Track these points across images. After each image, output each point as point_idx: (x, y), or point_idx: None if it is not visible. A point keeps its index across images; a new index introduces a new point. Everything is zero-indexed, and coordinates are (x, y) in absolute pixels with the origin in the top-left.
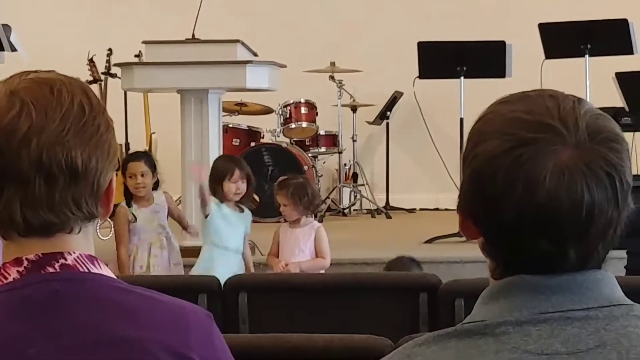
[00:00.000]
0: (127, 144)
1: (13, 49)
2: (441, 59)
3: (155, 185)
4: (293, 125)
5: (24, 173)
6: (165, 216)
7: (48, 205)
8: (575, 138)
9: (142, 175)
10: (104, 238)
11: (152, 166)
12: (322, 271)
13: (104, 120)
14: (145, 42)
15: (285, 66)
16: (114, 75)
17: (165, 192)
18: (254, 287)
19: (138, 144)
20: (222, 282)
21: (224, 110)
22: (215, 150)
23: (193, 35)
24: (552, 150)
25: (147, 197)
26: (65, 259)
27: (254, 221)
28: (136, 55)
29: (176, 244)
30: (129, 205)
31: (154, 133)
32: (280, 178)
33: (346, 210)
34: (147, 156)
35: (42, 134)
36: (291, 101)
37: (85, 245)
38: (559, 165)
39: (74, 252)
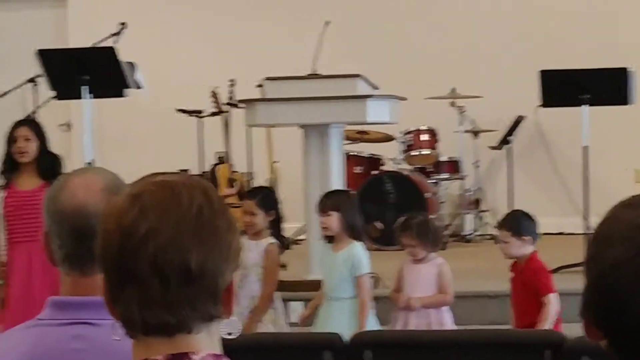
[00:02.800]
0: (250, 173)
1: (138, 87)
2: (563, 87)
3: (274, 224)
4: (414, 153)
5: (140, 274)
6: (255, 258)
7: (164, 306)
8: None
9: (251, 214)
10: None
11: (266, 205)
12: (446, 307)
13: (224, 222)
14: (267, 79)
15: (405, 99)
16: (237, 106)
17: (272, 244)
18: (380, 344)
19: (261, 173)
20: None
21: (346, 138)
22: (337, 182)
23: (314, 70)
24: None
25: (257, 234)
26: None
27: (377, 249)
28: (258, 86)
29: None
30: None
31: (277, 162)
32: (400, 219)
33: (469, 237)
34: (262, 194)
35: (158, 236)
36: (412, 128)
37: (210, 344)
38: None
39: (200, 353)
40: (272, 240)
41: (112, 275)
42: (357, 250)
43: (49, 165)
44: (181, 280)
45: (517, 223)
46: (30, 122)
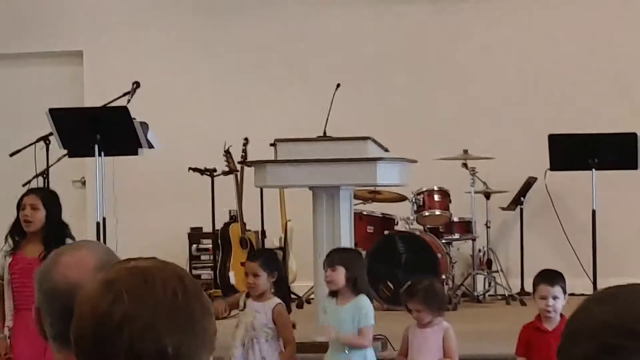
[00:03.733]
0: (263, 232)
1: (150, 146)
2: (572, 151)
3: (280, 286)
4: (426, 213)
5: None
6: (263, 319)
7: None
8: None
9: (254, 275)
10: None
11: (269, 266)
12: None
13: (199, 306)
14: (277, 140)
15: (416, 161)
16: (250, 165)
17: (280, 304)
18: None
19: (274, 232)
20: None
21: (359, 198)
22: (346, 243)
23: (324, 132)
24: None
25: (261, 295)
26: None
27: (388, 309)
28: (272, 145)
29: (263, 352)
30: (247, 295)
31: (289, 221)
32: (406, 284)
33: (480, 297)
34: (265, 255)
35: (133, 322)
36: (424, 189)
37: None
38: None
39: None
40: (278, 300)
41: None
42: (364, 301)
43: (53, 235)
44: None
45: (555, 278)
46: (39, 191)
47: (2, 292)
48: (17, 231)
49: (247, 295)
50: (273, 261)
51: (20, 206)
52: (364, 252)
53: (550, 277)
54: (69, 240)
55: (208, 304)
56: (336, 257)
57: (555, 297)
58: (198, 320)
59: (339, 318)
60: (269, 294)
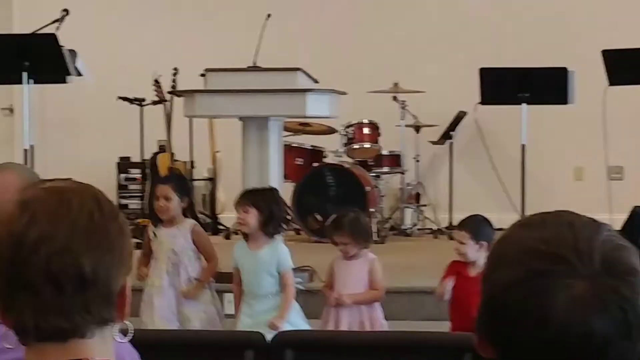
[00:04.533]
0: (192, 162)
1: (79, 74)
2: (503, 85)
3: (189, 212)
4: (356, 146)
5: (33, 281)
6: (182, 243)
7: (58, 312)
8: (589, 270)
9: (166, 199)
10: None
11: (181, 191)
12: (377, 303)
13: (115, 226)
14: (207, 70)
15: (345, 93)
16: (179, 95)
17: (196, 224)
18: (302, 344)
19: (203, 162)
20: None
21: (288, 129)
22: (275, 175)
23: (254, 63)
24: (565, 283)
25: (172, 220)
26: None
27: (316, 242)
28: (201, 75)
29: (189, 273)
30: (155, 225)
31: (218, 152)
32: (332, 217)
33: (409, 231)
34: (176, 180)
35: (49, 242)
36: (354, 122)
37: (104, 350)
38: (570, 299)
39: (93, 358)
40: (192, 220)
41: (4, 283)
42: (279, 246)
43: None
44: (75, 286)
45: (477, 227)
46: (176, 181)
47: None
48: None
49: (155, 225)
50: (185, 186)
51: None
52: (292, 185)
53: (461, 222)
54: None
55: (124, 225)
56: (248, 198)
57: (461, 242)
58: (114, 240)
59: (252, 263)
60: (180, 217)
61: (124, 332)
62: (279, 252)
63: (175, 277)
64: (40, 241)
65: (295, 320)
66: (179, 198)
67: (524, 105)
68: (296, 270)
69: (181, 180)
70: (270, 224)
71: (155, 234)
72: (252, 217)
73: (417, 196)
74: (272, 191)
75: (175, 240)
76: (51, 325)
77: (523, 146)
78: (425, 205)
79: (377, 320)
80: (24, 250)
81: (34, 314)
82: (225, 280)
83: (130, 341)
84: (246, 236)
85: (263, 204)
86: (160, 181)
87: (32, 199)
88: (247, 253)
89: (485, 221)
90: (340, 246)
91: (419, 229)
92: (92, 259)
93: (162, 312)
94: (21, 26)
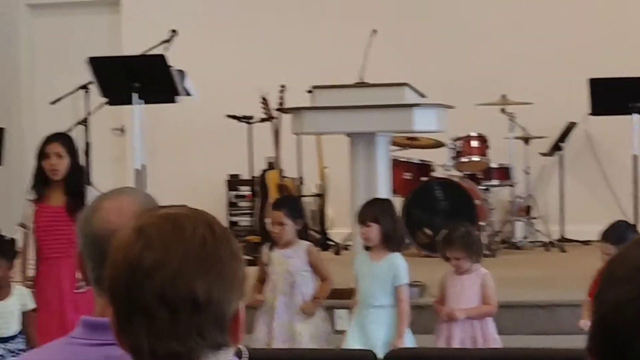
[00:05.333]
0: (300, 178)
1: (188, 94)
2: (613, 95)
3: (304, 234)
4: (464, 159)
5: (148, 305)
6: (297, 264)
7: (172, 336)
8: None
9: (280, 225)
10: None
11: (294, 215)
12: (490, 318)
13: (228, 251)
14: (314, 87)
15: (453, 107)
16: (287, 112)
17: (310, 244)
18: None
19: (312, 178)
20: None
21: (396, 144)
22: (383, 190)
23: (361, 79)
24: None
25: (287, 242)
26: None
27: (426, 256)
28: (309, 91)
29: (304, 294)
30: (270, 248)
31: (326, 168)
32: (442, 232)
33: (519, 244)
34: (288, 204)
35: (163, 268)
36: (462, 135)
37: None
38: None
39: None
40: (307, 242)
41: (120, 307)
42: (398, 259)
43: (76, 182)
44: (189, 310)
45: (622, 236)
46: (62, 138)
47: (26, 241)
48: (40, 180)
49: (270, 248)
50: (297, 209)
51: (41, 155)
52: (401, 199)
53: (604, 232)
54: (90, 189)
55: (237, 250)
56: (368, 213)
57: (607, 254)
58: (227, 265)
59: (372, 274)
60: (295, 239)
61: (239, 356)
62: (397, 266)
63: (290, 297)
64: (155, 266)
65: (407, 337)
66: (293, 222)
67: (635, 115)
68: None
69: (293, 204)
70: (392, 238)
71: (269, 258)
72: (374, 232)
73: (528, 209)
74: (389, 204)
75: (290, 261)
76: (165, 349)
77: (635, 157)
78: (535, 218)
79: (489, 336)
80: (139, 275)
81: (149, 337)
82: (336, 297)
83: None
84: (369, 248)
85: (383, 218)
86: (273, 207)
87: (146, 224)
88: (367, 263)
89: (629, 227)
90: (453, 261)
91: (530, 242)
92: (205, 283)
93: (276, 333)
94: (130, 48)
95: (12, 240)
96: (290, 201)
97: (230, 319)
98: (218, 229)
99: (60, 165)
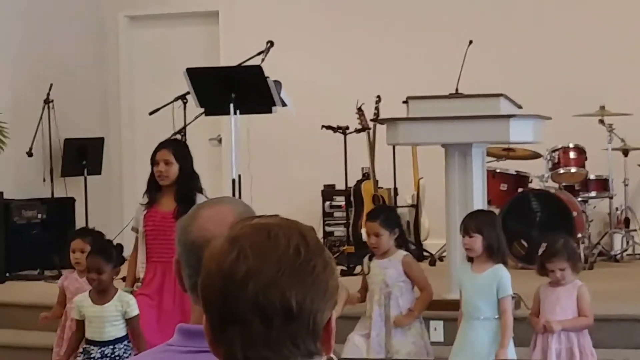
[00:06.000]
0: (395, 189)
1: (283, 104)
2: None
3: (401, 242)
4: (562, 170)
5: (242, 315)
6: (394, 275)
7: (266, 345)
8: None
9: (376, 235)
10: None
11: (389, 224)
12: (586, 331)
13: (320, 261)
14: (409, 98)
15: (549, 118)
16: (383, 123)
17: (407, 255)
18: None
19: (406, 189)
20: None
21: (492, 155)
22: (479, 201)
23: (457, 89)
24: None
25: (385, 252)
26: None
27: (522, 268)
28: (404, 102)
29: (400, 305)
30: (370, 258)
31: (421, 178)
32: (543, 246)
33: (618, 256)
34: (384, 214)
35: (257, 277)
36: (559, 146)
37: None
38: None
39: None
40: (404, 252)
41: (215, 316)
42: (502, 271)
43: (186, 188)
44: (283, 319)
45: None
46: (171, 144)
47: (136, 244)
48: (152, 186)
49: (370, 258)
50: (393, 218)
51: (152, 161)
52: (497, 210)
53: None
54: (199, 195)
55: (330, 260)
56: (472, 223)
57: None
58: (320, 274)
59: (475, 286)
60: (392, 249)
61: None
62: (501, 277)
63: (386, 308)
64: (249, 276)
65: (510, 349)
66: (389, 232)
67: None
68: None
69: (388, 214)
70: (495, 250)
71: (369, 268)
72: (477, 242)
73: (627, 221)
74: (493, 216)
75: (386, 272)
76: (259, 358)
77: None
78: (635, 230)
79: (587, 349)
80: (233, 285)
81: (243, 346)
82: (431, 308)
83: None
84: (471, 259)
85: (487, 229)
86: (368, 218)
87: (240, 234)
88: (469, 275)
89: None
90: (557, 272)
91: (628, 255)
92: (299, 293)
93: (373, 344)
94: (228, 59)
95: (119, 246)
96: (385, 211)
97: (323, 328)
98: (311, 239)
99: (168, 171)
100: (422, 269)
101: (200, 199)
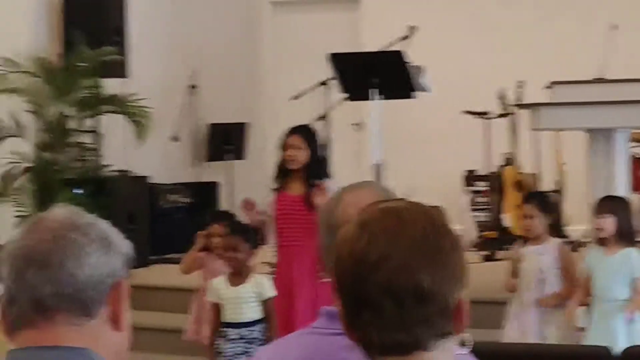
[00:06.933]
0: (537, 175)
1: (424, 90)
2: None
3: (555, 230)
4: None
5: (375, 299)
6: (548, 261)
7: (400, 327)
8: None
9: (530, 217)
10: None
11: (545, 208)
12: None
13: (448, 242)
14: (553, 83)
15: None
16: (525, 108)
17: (563, 243)
18: None
19: (549, 175)
20: None
21: (637, 140)
22: (622, 187)
23: (601, 74)
24: None
25: (538, 238)
26: None
27: None
28: (547, 87)
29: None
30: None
31: (564, 164)
32: None
33: None
34: (539, 198)
35: (388, 261)
36: None
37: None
38: None
39: None
40: (559, 239)
41: (348, 301)
42: (634, 253)
43: (315, 173)
44: (415, 301)
45: None
46: (302, 130)
47: (267, 230)
48: (282, 170)
49: (524, 243)
50: (548, 203)
51: (283, 146)
52: None
53: None
54: (329, 181)
55: (457, 240)
56: (605, 205)
57: None
58: (449, 255)
59: (605, 268)
60: (545, 235)
61: (463, 344)
62: (632, 259)
63: (540, 294)
64: (380, 260)
65: None
66: (543, 215)
67: None
68: None
69: (545, 198)
70: (627, 233)
71: (520, 254)
72: (610, 224)
73: None
74: (626, 201)
75: (541, 258)
76: (394, 340)
77: None
78: None
79: None
80: (365, 270)
81: (379, 331)
82: None
83: (474, 352)
84: (602, 241)
85: (620, 212)
86: (524, 200)
87: (370, 219)
88: (600, 258)
89: None
90: None
91: None
92: (429, 274)
93: (524, 328)
94: (370, 44)
95: (258, 230)
96: (542, 195)
97: (454, 308)
98: (438, 221)
99: (298, 156)
100: (574, 260)
101: (330, 184)
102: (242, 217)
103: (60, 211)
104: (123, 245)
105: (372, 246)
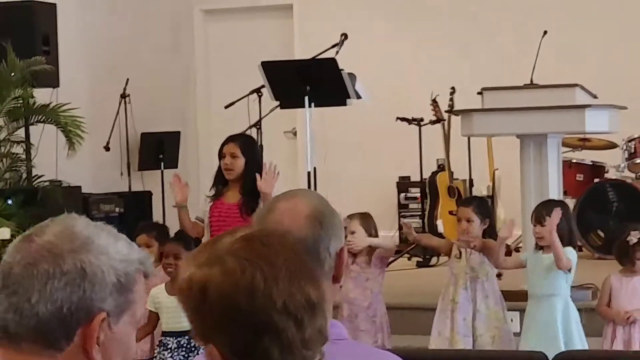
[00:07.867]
0: (470, 180)
1: (358, 97)
2: None
3: (490, 234)
4: (638, 160)
5: (275, 323)
6: (479, 259)
7: (302, 344)
8: None
9: (468, 221)
10: None
11: (482, 213)
12: None
13: (309, 258)
14: (484, 89)
15: (625, 108)
16: (457, 114)
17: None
18: None
19: (482, 181)
20: None
21: (568, 145)
22: (555, 191)
23: (531, 80)
24: None
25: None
26: None
27: (599, 258)
28: (478, 93)
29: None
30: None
31: (496, 169)
32: (627, 237)
33: None
34: (477, 202)
35: (277, 283)
36: (636, 136)
37: None
38: None
39: None
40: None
41: (241, 334)
42: (570, 251)
43: (251, 182)
44: (310, 315)
45: None
46: (238, 138)
47: (202, 235)
48: (219, 179)
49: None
50: (486, 208)
51: (220, 155)
52: (573, 201)
53: None
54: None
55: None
56: (544, 212)
57: None
58: (314, 270)
59: (539, 265)
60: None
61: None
62: (567, 253)
63: (472, 293)
64: (269, 286)
65: (578, 338)
66: (480, 219)
67: None
68: (579, 287)
69: (482, 202)
70: (566, 239)
71: (460, 253)
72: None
73: None
74: (564, 203)
75: (471, 256)
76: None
77: None
78: None
79: None
80: (260, 298)
81: (282, 352)
82: (507, 299)
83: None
84: (542, 247)
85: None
86: (461, 204)
87: (235, 250)
88: (536, 256)
89: None
90: None
91: None
92: (313, 286)
93: (459, 328)
94: (302, 52)
95: (197, 239)
96: (479, 200)
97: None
98: (292, 240)
99: (234, 165)
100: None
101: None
102: (172, 193)
103: (55, 228)
104: (110, 273)
105: (257, 275)
